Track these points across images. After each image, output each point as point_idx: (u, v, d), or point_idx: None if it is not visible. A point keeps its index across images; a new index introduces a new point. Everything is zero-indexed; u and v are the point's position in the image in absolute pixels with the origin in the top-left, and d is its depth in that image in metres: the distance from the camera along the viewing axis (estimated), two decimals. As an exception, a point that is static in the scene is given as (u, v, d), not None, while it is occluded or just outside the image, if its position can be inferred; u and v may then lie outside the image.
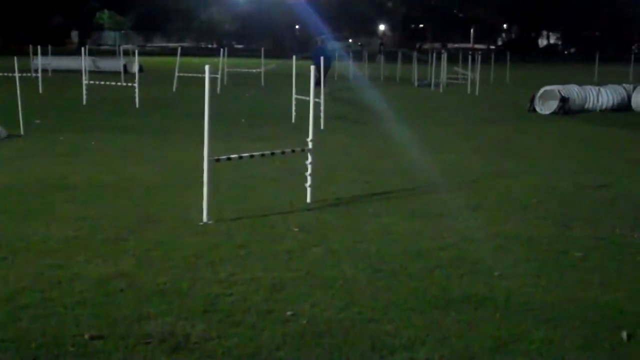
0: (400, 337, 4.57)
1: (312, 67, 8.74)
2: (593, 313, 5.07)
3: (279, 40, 74.11)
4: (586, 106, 20.01)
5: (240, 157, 7.98)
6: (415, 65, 33.00)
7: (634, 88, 20.60)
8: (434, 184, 9.54)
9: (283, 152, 8.38)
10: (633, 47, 74.13)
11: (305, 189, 8.19)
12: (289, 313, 4.94)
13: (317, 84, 26.67)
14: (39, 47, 26.28)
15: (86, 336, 4.50)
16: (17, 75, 14.09)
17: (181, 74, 24.66)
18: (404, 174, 10.20)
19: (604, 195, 9.01)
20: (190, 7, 76.81)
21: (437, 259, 6.24)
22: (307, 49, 38.73)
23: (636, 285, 5.69)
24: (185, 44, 77.64)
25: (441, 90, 27.91)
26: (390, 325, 4.77)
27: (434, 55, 31.57)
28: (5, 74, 21.03)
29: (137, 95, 19.00)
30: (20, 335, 4.52)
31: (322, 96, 14.27)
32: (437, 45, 77.37)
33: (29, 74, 24.47)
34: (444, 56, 29.17)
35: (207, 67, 7.29)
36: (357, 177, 9.89)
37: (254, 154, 8.23)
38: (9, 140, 12.72)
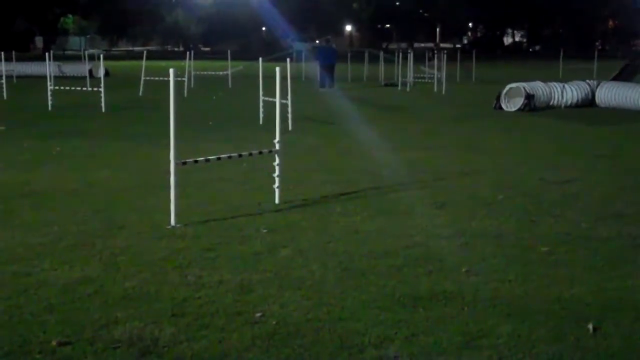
0: (369, 336, 4.58)
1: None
2: (559, 307, 5.13)
3: (245, 42, 73.92)
4: (551, 103, 20.24)
5: (207, 160, 7.95)
6: (382, 65, 33.12)
7: (598, 84, 20.86)
8: (401, 182, 9.59)
9: (250, 154, 8.37)
10: (596, 44, 75.16)
11: (274, 190, 8.19)
12: (258, 314, 4.94)
13: (323, 85, 26.73)
14: (2, 53, 25.96)
15: (54, 342, 4.46)
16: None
17: (147, 78, 24.50)
18: (371, 173, 10.24)
19: (569, 190, 9.12)
20: (155, 9, 76.40)
21: (405, 257, 6.27)
22: (273, 50, 38.71)
23: (601, 278, 5.76)
24: (151, 48, 77.26)
25: (408, 89, 28.04)
26: (359, 324, 4.78)
27: (400, 54, 31.70)
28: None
29: (102, 99, 18.84)
30: (-14, 343, 4.47)
31: (289, 97, 14.26)
32: (404, 44, 77.73)
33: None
34: (410, 55, 29.30)
35: (171, 71, 7.24)
36: (325, 177, 9.90)
37: (221, 156, 8.21)
38: (-28, 148, 12.55)
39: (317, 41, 28.78)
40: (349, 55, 36.11)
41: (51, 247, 6.52)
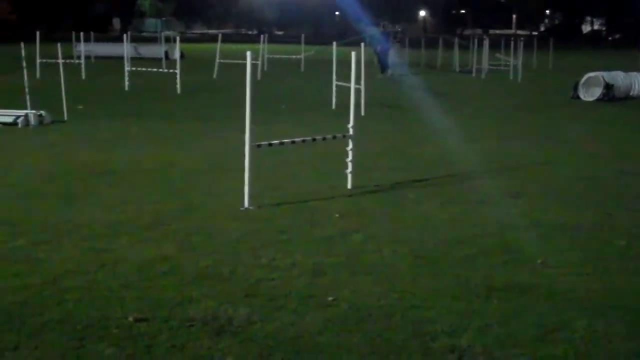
0: (441, 324, 4.55)
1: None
2: (638, 302, 5.00)
3: (318, 26, 73.95)
4: (631, 93, 19.67)
5: (282, 143, 7.99)
6: (456, 51, 32.70)
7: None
8: (475, 171, 9.47)
9: (324, 138, 8.38)
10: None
11: (346, 175, 8.19)
12: (330, 298, 4.95)
13: (384, 70, 26.45)
14: (81, 33, 26.59)
15: (130, 318, 4.56)
16: (60, 61, 14.30)
17: (222, 61, 24.76)
18: (444, 160, 10.14)
19: (649, 183, 8.87)
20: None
21: (478, 246, 6.20)
22: (346, 35, 38.54)
23: (682, 274, 5.59)
24: (225, 31, 77.87)
25: (483, 77, 27.65)
26: (432, 312, 4.75)
27: (476, 41, 31.25)
28: (50, 60, 21.32)
29: (178, 81, 19.12)
30: (66, 316, 4.59)
31: (362, 83, 14.22)
32: (479, 31, 76.55)
33: (72, 60, 24.81)
34: (486, 42, 28.85)
35: (248, 54, 7.32)
36: (398, 164, 9.86)
37: (295, 139, 8.24)
38: (53, 126, 12.91)
39: (377, 27, 28.21)
40: (422, 41, 35.78)
41: (128, 225, 6.66)
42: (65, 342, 4.25)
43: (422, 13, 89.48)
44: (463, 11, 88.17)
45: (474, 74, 28.41)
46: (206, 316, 4.62)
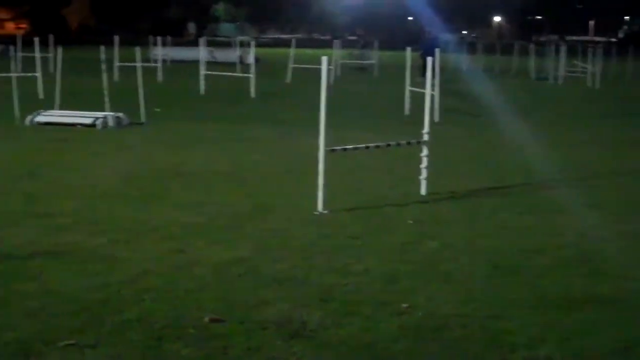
0: (520, 336, 4.45)
1: (428, 59, 8.66)
2: None
3: (391, 32, 73.75)
4: None
5: (356, 148, 7.98)
6: (532, 57, 32.17)
7: None
8: (552, 179, 9.27)
9: (398, 144, 8.33)
10: None
11: (420, 182, 8.12)
12: (404, 305, 4.91)
13: (423, 74, 26.06)
14: (159, 38, 27.13)
15: (206, 319, 4.61)
16: (138, 65, 14.59)
17: (295, 65, 24.91)
18: (520, 168, 9.97)
19: None
20: (304, -1, 77.50)
21: (557, 257, 6.06)
22: (419, 41, 38.32)
23: None
24: (298, 36, 78.39)
25: (560, 83, 27.14)
26: (510, 323, 4.66)
27: (553, 47, 30.68)
28: (127, 64, 21.80)
29: (252, 85, 19.32)
30: (144, 315, 4.67)
31: (437, 88, 14.10)
32: (555, 37, 75.19)
33: (149, 64, 25.32)
34: (563, 49, 28.32)
35: (323, 59, 7.34)
36: (473, 170, 9.74)
37: (369, 145, 8.22)
38: (131, 128, 13.19)
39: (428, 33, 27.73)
40: (497, 47, 35.33)
41: (205, 226, 6.75)
42: (143, 341, 4.32)
43: (497, 19, 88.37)
44: (539, 17, 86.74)
45: (550, 81, 27.90)
46: (281, 319, 4.64)
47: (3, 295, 4.97)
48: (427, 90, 8.46)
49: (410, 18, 77.86)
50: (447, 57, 28.58)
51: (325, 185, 7.34)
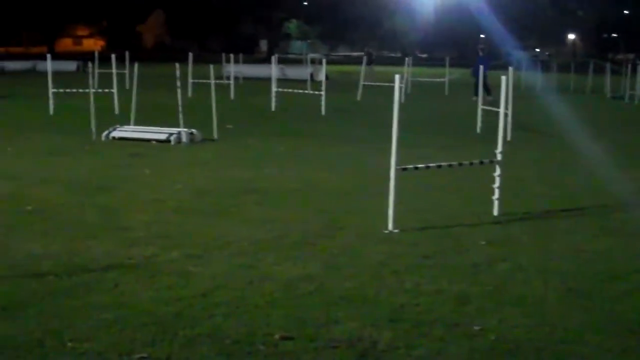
0: (595, 362, 4.35)
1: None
2: None
3: (462, 49, 73.27)
4: None
5: (428, 167, 7.93)
6: (608, 76, 31.49)
7: None
8: (628, 201, 9.02)
9: (471, 163, 8.24)
10: None
11: (493, 202, 8.01)
12: (476, 327, 4.84)
13: (489, 93, 25.67)
14: (231, 55, 27.51)
15: (276, 336, 4.62)
16: (212, 82, 14.81)
17: (366, 83, 24.94)
18: (595, 189, 9.75)
19: None
20: (374, 16, 77.66)
21: (635, 281, 5.90)
22: (492, 58, 37.94)
23: None
24: (368, 53, 78.48)
25: (636, 102, 26.48)
26: (585, 348, 4.55)
27: (629, 66, 29.99)
28: (200, 81, 22.19)
29: (323, 102, 19.42)
30: (215, 330, 4.71)
31: (510, 107, 13.92)
32: (631, 55, 73.49)
33: (221, 81, 25.68)
34: (639, 67, 27.65)
35: (396, 77, 7.35)
36: (546, 191, 9.57)
37: (441, 164, 8.15)
38: (203, 144, 13.38)
39: (480, 51, 27.06)
40: (572, 65, 34.72)
41: (275, 243, 6.79)
42: (214, 356, 4.36)
43: (572, 36, 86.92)
44: (615, 35, 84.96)
45: (626, 100, 27.27)
46: (351, 338, 4.62)
47: (79, 306, 5.09)
48: (501, 109, 8.35)
49: (482, 36, 77.23)
50: (518, 75, 28.24)
51: (396, 204, 7.30)
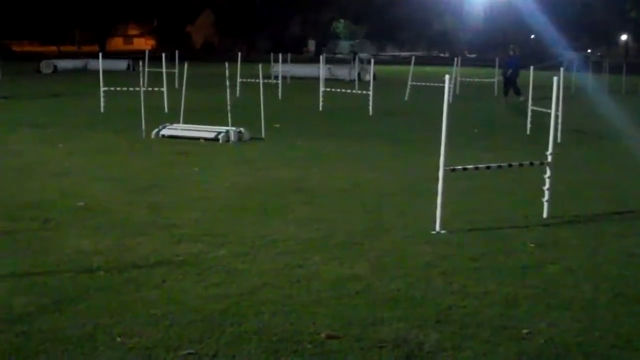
0: (647, 368, 4.27)
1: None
2: None
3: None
4: None
5: (476, 168, 7.86)
6: (661, 78, 30.87)
7: None
8: (683, 205, 8.84)
9: (521, 165, 8.15)
10: None
11: (542, 204, 7.91)
12: (524, 331, 4.79)
13: (518, 92, 25.29)
14: (279, 55, 27.61)
15: (323, 335, 4.63)
16: (261, 81, 14.89)
17: (414, 83, 24.83)
18: (649, 193, 9.56)
19: None
20: (423, 16, 77.29)
21: (688, 287, 5.77)
22: (542, 59, 37.43)
23: None
24: (417, 53, 78.27)
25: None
26: (635, 355, 4.48)
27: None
28: (249, 80, 22.34)
29: (370, 103, 19.39)
30: (262, 328, 4.74)
31: (560, 108, 13.72)
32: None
33: (269, 80, 25.80)
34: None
35: (446, 77, 7.32)
36: (598, 194, 9.41)
37: (490, 165, 8.08)
38: (251, 143, 13.46)
39: (512, 51, 26.61)
40: (624, 66, 34.09)
41: (322, 242, 6.80)
42: (260, 353, 4.38)
43: (624, 37, 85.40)
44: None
45: (681, 102, 26.68)
46: (397, 339, 4.61)
47: (129, 302, 5.17)
48: (553, 110, 8.25)
49: (532, 36, 76.36)
50: (569, 76, 27.83)
51: (444, 205, 7.26)
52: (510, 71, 25.57)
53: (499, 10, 72.87)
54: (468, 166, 7.79)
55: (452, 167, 7.37)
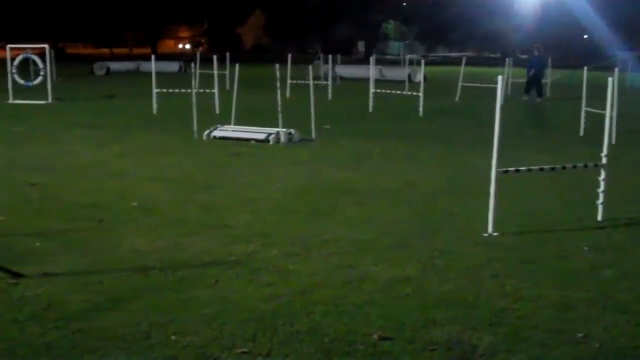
0: None
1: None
2: None
3: (565, 50, 71.43)
4: None
5: (529, 170, 7.77)
6: None
7: None
8: None
9: (575, 167, 8.03)
10: None
11: (596, 206, 7.79)
12: (579, 335, 4.72)
13: (540, 94, 24.82)
14: (329, 56, 27.66)
15: (375, 336, 4.64)
16: (311, 82, 14.92)
17: (464, 84, 24.64)
18: None
19: None
20: (473, 17, 76.63)
21: None
22: (596, 59, 36.71)
23: None
24: (467, 54, 77.58)
25: None
26: (695, 360, 4.38)
27: None
28: (299, 81, 22.42)
29: (421, 104, 19.30)
30: (314, 328, 4.77)
31: (615, 109, 13.48)
32: None
33: (319, 82, 25.85)
34: None
35: (499, 78, 7.25)
36: (654, 196, 9.24)
37: (543, 167, 7.98)
38: (301, 144, 13.51)
39: (536, 51, 26.13)
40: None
41: (372, 243, 6.80)
42: (313, 353, 4.41)
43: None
44: None
45: None
46: (449, 341, 4.59)
47: (183, 300, 5.24)
48: (607, 111, 8.12)
49: (585, 36, 75.15)
50: (623, 76, 27.33)
51: (496, 207, 7.20)
52: (532, 71, 25.23)
53: (552, 10, 71.88)
54: (521, 168, 7.70)
55: (504, 169, 7.30)
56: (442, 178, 10.28)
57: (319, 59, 33.04)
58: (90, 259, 6.23)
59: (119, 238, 6.89)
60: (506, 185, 8.17)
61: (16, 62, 22.79)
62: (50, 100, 21.66)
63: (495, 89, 7.25)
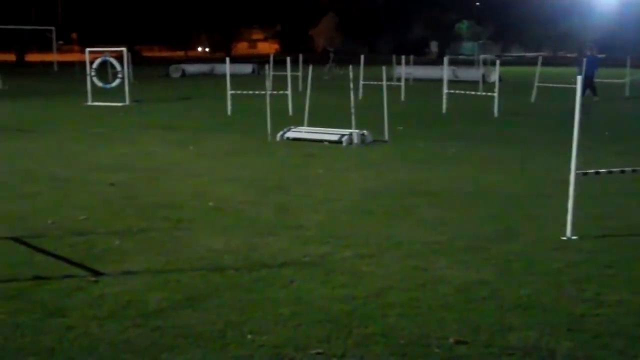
0: None
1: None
2: None
3: (644, 49, 69.43)
4: None
5: (610, 172, 7.58)
6: None
7: None
8: None
9: (657, 169, 7.80)
10: None
11: (680, 210, 7.55)
12: (663, 342, 4.59)
13: (594, 92, 24.03)
14: (402, 57, 27.54)
15: (451, 340, 4.59)
16: (384, 84, 14.88)
17: (540, 84, 24.20)
18: None
19: None
20: (549, 16, 75.23)
21: None
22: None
23: None
24: (543, 54, 76.15)
25: None
26: None
27: None
28: (371, 82, 22.39)
29: (495, 104, 19.03)
30: (389, 330, 4.74)
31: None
32: None
33: (392, 83, 25.76)
34: None
35: (578, 78, 7.10)
36: None
37: (624, 169, 7.76)
38: (374, 145, 13.48)
39: (589, 50, 25.18)
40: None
41: (447, 246, 6.73)
42: (388, 356, 4.39)
43: None
44: None
45: None
46: (527, 346, 4.51)
47: (258, 300, 5.28)
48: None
49: (666, 34, 72.86)
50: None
51: (575, 210, 7.04)
52: (589, 71, 24.57)
53: (631, 9, 70.01)
54: (601, 170, 7.52)
55: (583, 171, 7.14)
56: (518, 180, 10.11)
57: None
58: (168, 257, 6.35)
59: (195, 237, 7.00)
60: (585, 188, 7.99)
61: (95, 65, 23.42)
62: (127, 102, 22.17)
63: (574, 89, 7.09)
